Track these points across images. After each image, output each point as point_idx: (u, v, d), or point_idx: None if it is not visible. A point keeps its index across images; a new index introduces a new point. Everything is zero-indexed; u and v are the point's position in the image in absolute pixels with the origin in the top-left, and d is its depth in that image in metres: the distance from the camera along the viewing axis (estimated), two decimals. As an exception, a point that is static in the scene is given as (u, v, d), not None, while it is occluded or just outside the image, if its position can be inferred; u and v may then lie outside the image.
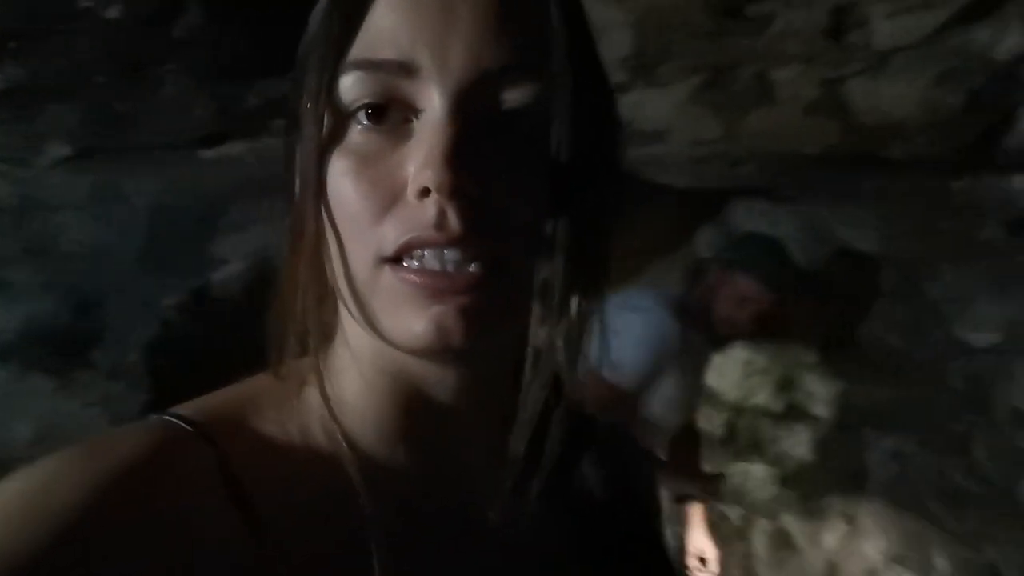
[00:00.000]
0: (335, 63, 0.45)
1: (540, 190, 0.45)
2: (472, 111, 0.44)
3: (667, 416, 1.97)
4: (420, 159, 0.43)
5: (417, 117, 0.45)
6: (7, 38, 1.24)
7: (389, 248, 0.44)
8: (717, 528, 3.72)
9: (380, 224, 0.44)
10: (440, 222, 0.43)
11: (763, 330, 1.84)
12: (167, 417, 0.46)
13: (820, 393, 3.36)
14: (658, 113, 1.70)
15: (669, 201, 3.19)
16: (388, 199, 0.44)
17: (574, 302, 0.49)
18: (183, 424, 0.45)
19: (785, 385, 3.53)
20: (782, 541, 3.62)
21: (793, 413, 3.58)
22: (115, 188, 1.76)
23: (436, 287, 0.44)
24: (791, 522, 3.64)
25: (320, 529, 0.46)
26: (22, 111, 1.45)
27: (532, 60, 0.45)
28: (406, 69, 0.44)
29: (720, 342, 1.95)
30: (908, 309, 2.39)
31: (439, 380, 0.50)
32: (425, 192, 0.43)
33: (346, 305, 0.48)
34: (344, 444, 0.48)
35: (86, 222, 1.77)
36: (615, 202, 0.50)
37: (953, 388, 2.23)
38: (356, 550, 0.46)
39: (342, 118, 0.46)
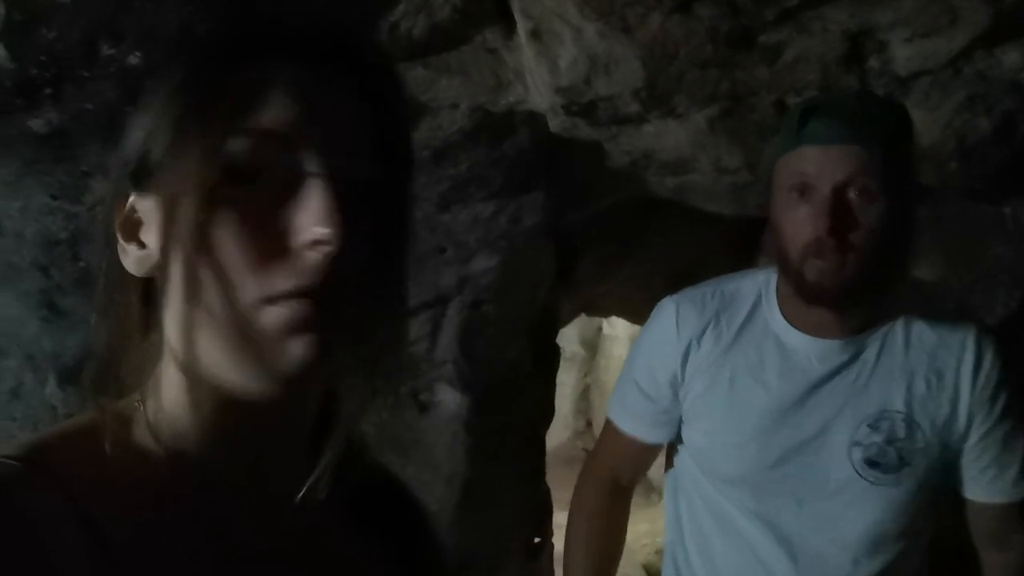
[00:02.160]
0: (224, 128, 0.51)
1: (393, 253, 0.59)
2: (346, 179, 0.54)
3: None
4: (313, 216, 0.52)
5: (296, 181, 0.53)
6: (43, 85, 1.34)
7: (278, 288, 0.52)
8: None
9: (263, 268, 0.52)
10: (328, 264, 0.52)
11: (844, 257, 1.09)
12: None
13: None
14: (678, 143, 1.70)
15: (722, 227, 3.16)
16: (272, 247, 0.53)
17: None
18: (10, 461, 0.48)
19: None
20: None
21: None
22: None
23: (314, 315, 0.52)
24: None
25: (164, 545, 0.51)
26: (66, 152, 1.55)
27: (385, 143, 0.58)
28: (289, 141, 0.53)
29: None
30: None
31: (273, 398, 0.56)
32: (317, 243, 0.52)
33: (217, 338, 0.53)
34: (166, 461, 0.53)
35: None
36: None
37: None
38: (199, 554, 0.53)
39: (223, 174, 0.51)
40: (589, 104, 1.57)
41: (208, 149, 0.52)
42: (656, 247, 3.33)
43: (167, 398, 0.56)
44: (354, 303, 0.55)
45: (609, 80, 1.50)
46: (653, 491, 6.47)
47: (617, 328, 6.88)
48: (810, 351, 1.22)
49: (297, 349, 0.52)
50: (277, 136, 0.53)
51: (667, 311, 1.35)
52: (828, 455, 1.21)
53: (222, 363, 0.53)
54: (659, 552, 5.20)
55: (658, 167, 1.87)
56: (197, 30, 0.56)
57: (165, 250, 0.53)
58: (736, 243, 3.18)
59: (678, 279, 3.68)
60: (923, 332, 1.22)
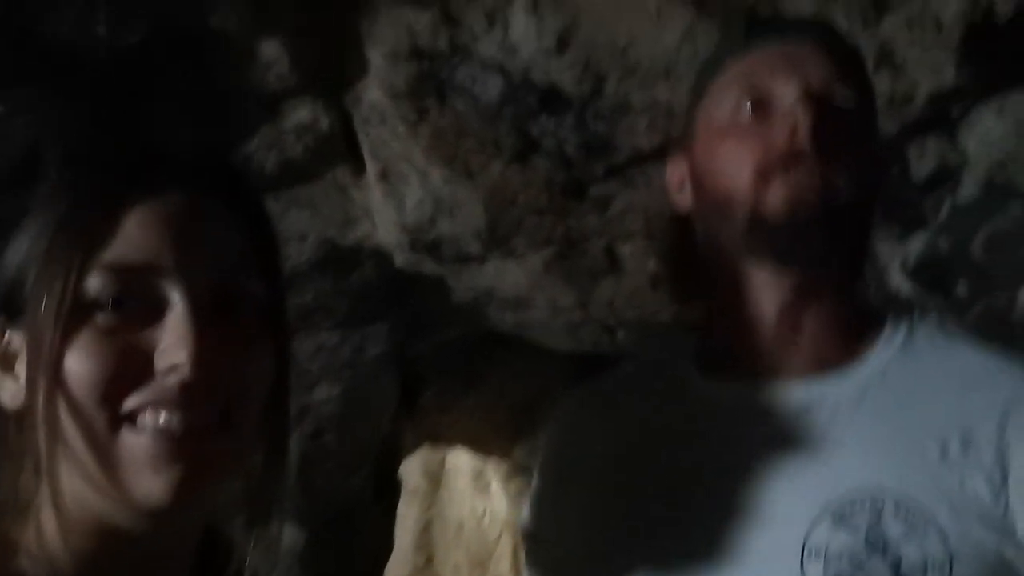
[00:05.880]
0: (83, 262, 0.53)
1: (263, 365, 0.59)
2: (207, 303, 0.56)
3: None
4: (172, 340, 0.54)
5: (161, 306, 0.56)
6: None
7: (129, 406, 0.54)
8: None
9: (121, 391, 0.53)
10: (185, 389, 0.54)
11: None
12: None
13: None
14: (516, 282, 1.81)
15: (564, 362, 3.29)
16: (131, 370, 0.53)
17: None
18: None
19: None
20: None
21: None
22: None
23: (174, 447, 0.53)
24: None
25: None
26: None
27: (249, 265, 0.61)
28: (153, 269, 0.56)
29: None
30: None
31: (149, 539, 0.55)
32: (173, 368, 0.53)
33: (79, 470, 0.53)
34: None
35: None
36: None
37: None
38: None
39: (85, 305, 0.53)
40: (433, 242, 1.65)
41: (69, 282, 0.54)
42: (499, 379, 3.41)
43: (46, 530, 0.55)
44: (228, 435, 0.57)
45: (453, 221, 1.60)
46: None
47: (460, 461, 6.85)
48: (736, 398, 0.80)
49: (157, 483, 0.53)
50: (140, 267, 0.55)
51: None
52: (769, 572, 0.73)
53: (87, 497, 0.54)
54: None
55: (498, 303, 1.97)
56: (64, 171, 0.59)
57: (29, 383, 0.54)
58: (575, 377, 3.31)
59: (520, 411, 3.75)
60: (937, 366, 0.79)
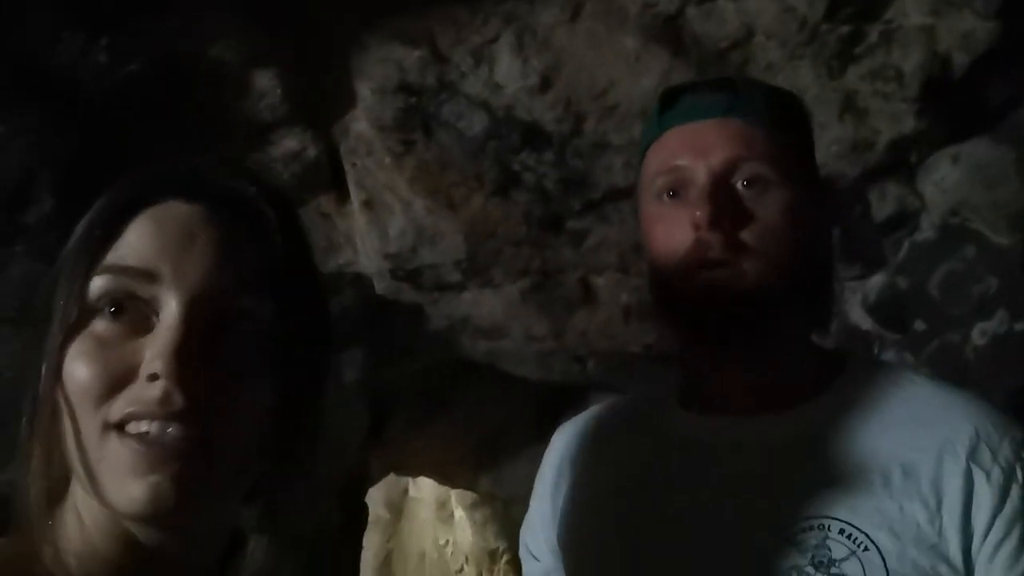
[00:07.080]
0: (89, 267, 0.56)
1: (259, 390, 0.57)
2: (202, 316, 0.54)
3: None
4: (154, 350, 0.53)
5: (156, 315, 0.55)
6: None
7: (115, 415, 0.53)
8: None
9: (111, 397, 0.53)
10: (164, 400, 0.52)
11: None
12: None
13: None
14: (493, 311, 1.86)
15: (531, 392, 3.33)
16: (121, 377, 0.54)
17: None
18: None
19: None
20: None
21: None
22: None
23: (155, 455, 0.52)
24: None
25: None
26: None
27: (253, 282, 0.57)
28: (149, 276, 0.55)
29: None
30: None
31: (158, 545, 0.57)
32: (154, 377, 0.52)
33: (77, 474, 0.55)
34: None
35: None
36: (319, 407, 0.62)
37: None
38: None
39: (88, 310, 0.55)
40: (414, 271, 1.70)
41: (74, 287, 0.56)
42: (466, 408, 3.44)
43: (70, 529, 0.57)
44: (208, 462, 0.55)
45: (434, 250, 1.65)
46: None
47: (423, 490, 6.82)
48: (705, 435, 0.86)
49: (136, 489, 0.53)
50: (136, 271, 0.55)
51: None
52: None
53: (86, 499, 0.56)
54: None
55: (473, 332, 2.01)
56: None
57: (45, 382, 0.56)
58: (542, 407, 3.35)
59: (486, 441, 3.77)
60: (887, 405, 0.85)
